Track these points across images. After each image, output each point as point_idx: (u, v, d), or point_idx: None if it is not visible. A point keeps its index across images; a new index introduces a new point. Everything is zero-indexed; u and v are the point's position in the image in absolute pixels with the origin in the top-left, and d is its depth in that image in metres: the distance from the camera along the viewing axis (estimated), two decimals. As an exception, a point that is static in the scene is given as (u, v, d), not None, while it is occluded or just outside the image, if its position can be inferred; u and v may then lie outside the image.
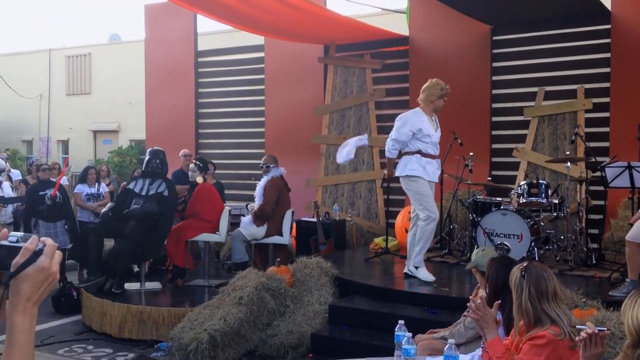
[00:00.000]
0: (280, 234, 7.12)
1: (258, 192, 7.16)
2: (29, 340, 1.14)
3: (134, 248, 6.37)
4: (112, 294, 6.27)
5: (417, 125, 5.70)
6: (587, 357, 2.21)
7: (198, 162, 7.05)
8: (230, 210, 7.14)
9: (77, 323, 6.53)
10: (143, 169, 6.89)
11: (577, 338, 2.31)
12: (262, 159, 7.51)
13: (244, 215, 7.44)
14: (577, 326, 2.39)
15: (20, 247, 1.14)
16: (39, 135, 21.17)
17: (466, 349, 3.60)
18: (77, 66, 20.66)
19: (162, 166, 6.79)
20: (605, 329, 2.24)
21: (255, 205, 7.15)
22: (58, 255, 1.17)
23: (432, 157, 5.81)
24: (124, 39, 21.48)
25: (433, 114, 5.87)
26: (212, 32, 14.29)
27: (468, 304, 2.91)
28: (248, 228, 7.00)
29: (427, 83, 5.86)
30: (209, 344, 4.97)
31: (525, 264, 2.87)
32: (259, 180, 7.34)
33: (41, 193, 7.66)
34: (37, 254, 1.14)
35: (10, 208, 8.03)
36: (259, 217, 7.00)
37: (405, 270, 5.90)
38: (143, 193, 6.67)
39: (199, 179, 6.95)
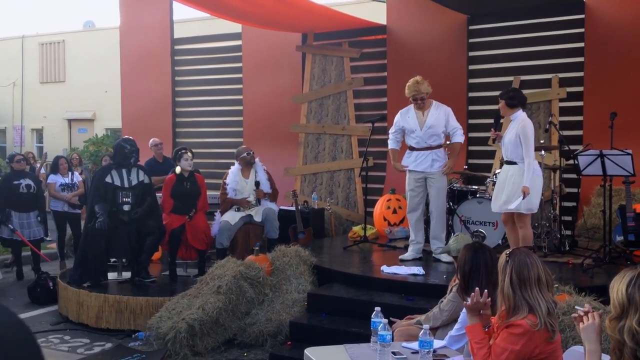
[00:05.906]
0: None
1: (261, 178, 7.26)
2: None
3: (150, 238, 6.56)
4: (91, 287, 6.23)
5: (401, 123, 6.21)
6: (584, 329, 2.33)
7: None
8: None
9: (53, 313, 6.48)
10: (121, 160, 6.54)
11: (573, 315, 2.43)
12: (243, 147, 7.46)
13: (218, 205, 7.42)
14: (576, 307, 2.51)
15: None
16: (13, 124, 20.79)
17: (443, 333, 3.66)
18: (51, 53, 20.27)
19: (138, 154, 6.69)
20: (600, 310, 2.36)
21: (265, 188, 7.26)
22: None
23: (413, 149, 6.19)
24: (99, 26, 21.14)
25: (425, 109, 6.15)
26: (189, 19, 14.14)
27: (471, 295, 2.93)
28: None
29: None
30: (188, 333, 4.98)
31: (512, 249, 2.92)
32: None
33: (15, 183, 7.57)
34: None
35: None
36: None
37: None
38: (126, 185, 6.51)
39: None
